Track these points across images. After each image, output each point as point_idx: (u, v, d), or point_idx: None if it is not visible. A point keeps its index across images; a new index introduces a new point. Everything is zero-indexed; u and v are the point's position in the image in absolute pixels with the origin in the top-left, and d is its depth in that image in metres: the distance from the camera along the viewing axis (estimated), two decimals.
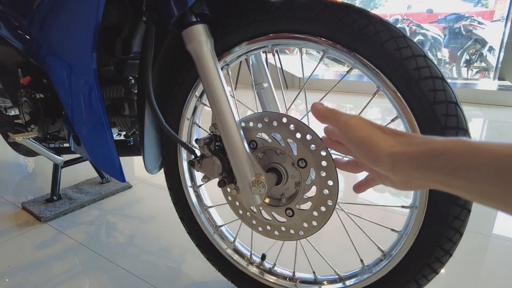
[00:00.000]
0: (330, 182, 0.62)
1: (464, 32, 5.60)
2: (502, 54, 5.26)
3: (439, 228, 0.59)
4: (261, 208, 0.73)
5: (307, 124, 0.63)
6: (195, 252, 0.92)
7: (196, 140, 0.69)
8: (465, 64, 5.67)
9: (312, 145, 0.62)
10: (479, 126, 2.81)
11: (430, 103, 0.55)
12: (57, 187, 1.36)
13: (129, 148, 1.06)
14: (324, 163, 0.62)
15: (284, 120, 0.64)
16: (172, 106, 0.84)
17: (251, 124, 0.68)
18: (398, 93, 0.58)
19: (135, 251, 1.08)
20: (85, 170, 1.67)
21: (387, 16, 7.18)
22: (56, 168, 1.36)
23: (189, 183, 0.88)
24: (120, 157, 1.14)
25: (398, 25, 6.43)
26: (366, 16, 0.58)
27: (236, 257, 0.86)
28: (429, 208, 0.59)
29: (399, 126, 0.60)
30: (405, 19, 6.46)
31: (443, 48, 6.10)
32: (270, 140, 0.67)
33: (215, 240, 0.87)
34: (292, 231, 0.70)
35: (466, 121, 0.56)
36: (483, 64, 5.57)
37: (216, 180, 0.71)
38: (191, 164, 0.73)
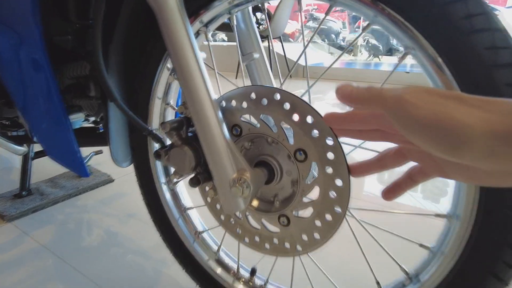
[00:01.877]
0: (339, 182, 0.45)
1: None
2: None
3: (493, 248, 0.42)
4: (247, 213, 0.56)
5: (307, 102, 0.46)
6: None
7: (162, 124, 0.52)
8: None
9: (315, 131, 0.45)
10: None
11: (487, 67, 0.38)
12: (27, 180, 1.21)
13: (98, 136, 0.90)
14: (330, 155, 0.45)
15: (277, 96, 0.47)
16: (140, 83, 0.67)
17: (233, 103, 0.51)
18: (438, 56, 0.40)
19: (108, 258, 0.92)
20: None
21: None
22: (25, 160, 1.20)
23: (162, 179, 0.71)
24: (88, 147, 0.97)
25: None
26: None
27: (220, 270, 0.70)
28: (479, 219, 0.42)
29: None
30: None
31: None
32: (258, 125, 0.50)
33: (194, 249, 0.71)
34: (287, 245, 0.53)
35: None
36: None
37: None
38: (156, 155, 0.56)
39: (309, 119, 0.45)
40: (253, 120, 0.51)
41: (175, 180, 0.71)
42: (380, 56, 6.49)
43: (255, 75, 0.66)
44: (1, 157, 1.73)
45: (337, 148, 0.44)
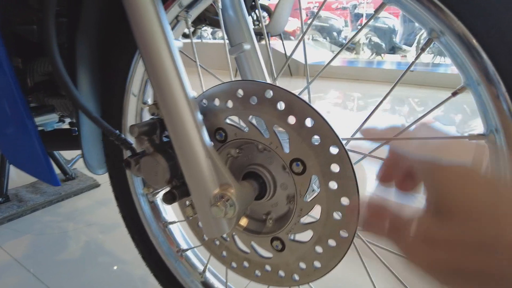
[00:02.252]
0: (345, 201, 0.36)
1: None
2: None
3: None
4: (234, 234, 0.47)
5: (306, 101, 0.37)
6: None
7: (130, 127, 0.43)
8: None
9: (315, 136, 0.36)
10: None
11: None
12: (3, 186, 1.12)
13: (73, 139, 0.80)
14: (335, 167, 0.36)
15: (270, 93, 0.38)
16: (113, 77, 0.58)
17: (216, 102, 0.42)
18: (474, 40, 0.31)
19: (89, 274, 0.83)
20: None
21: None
22: (2, 164, 1.11)
23: (140, 189, 0.62)
24: (69, 151, 0.88)
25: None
26: None
27: None
28: None
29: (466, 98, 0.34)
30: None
31: None
32: (247, 129, 0.41)
33: (177, 270, 0.62)
34: (281, 273, 0.44)
35: None
36: None
37: None
38: (126, 164, 0.47)
39: (308, 122, 0.36)
40: (241, 123, 0.42)
41: (152, 191, 0.62)
42: (382, 54, 6.39)
43: (246, 70, 0.56)
44: None
45: (344, 159, 0.35)
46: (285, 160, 0.39)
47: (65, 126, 0.90)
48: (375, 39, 6.14)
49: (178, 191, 0.43)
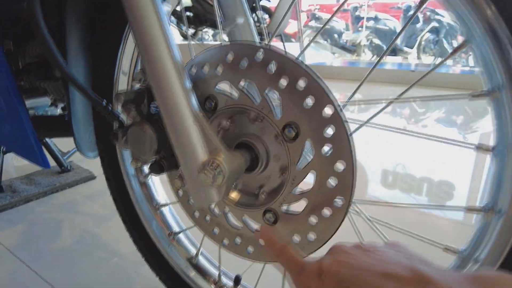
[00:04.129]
0: (341, 165, 0.34)
1: None
2: None
3: None
4: (226, 208, 0.45)
5: (300, 60, 0.35)
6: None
7: (116, 96, 0.41)
8: None
9: (308, 99, 0.34)
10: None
11: None
12: None
13: (65, 126, 0.78)
14: (329, 130, 0.34)
15: (260, 54, 0.36)
16: (103, 56, 0.56)
17: (205, 68, 0.40)
18: None
19: (81, 265, 0.81)
20: None
21: (398, 3, 6.84)
22: None
23: (131, 170, 0.60)
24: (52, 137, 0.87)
25: (411, 12, 6.09)
26: None
27: (198, 279, 0.58)
28: None
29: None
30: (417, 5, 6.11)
31: (459, 36, 5.75)
32: (237, 95, 0.39)
33: (169, 253, 0.60)
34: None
35: None
36: None
37: None
38: (113, 137, 0.45)
39: (301, 83, 0.34)
40: (230, 89, 0.40)
41: (146, 171, 0.60)
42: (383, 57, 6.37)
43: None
44: None
45: (338, 120, 0.33)
46: (278, 126, 0.37)
47: (58, 112, 0.88)
48: (376, 40, 6.14)
49: (167, 162, 0.41)
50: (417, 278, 0.21)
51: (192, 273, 0.58)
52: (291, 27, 6.84)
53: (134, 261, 0.81)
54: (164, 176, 0.46)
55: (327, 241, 0.38)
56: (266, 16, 3.82)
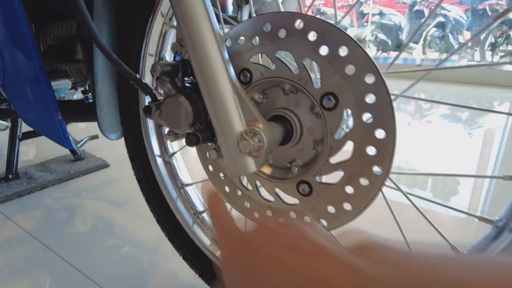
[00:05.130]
0: (381, 133, 0.35)
1: (490, 13, 5.20)
2: None
3: None
4: (258, 182, 0.45)
5: (341, 28, 0.35)
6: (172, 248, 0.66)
7: (152, 66, 0.41)
8: (489, 48, 5.27)
9: (350, 66, 0.34)
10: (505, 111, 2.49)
11: None
12: (13, 163, 1.11)
13: (87, 110, 0.78)
14: (371, 98, 0.34)
15: (299, 23, 0.36)
16: (130, 34, 0.56)
17: (241, 40, 0.40)
18: None
19: (97, 246, 0.82)
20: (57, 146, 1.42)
21: None
22: (13, 140, 1.11)
23: (156, 150, 0.61)
24: (74, 122, 0.88)
25: (416, 8, 6.05)
26: None
27: None
28: None
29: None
30: (424, 0, 6.08)
31: (465, 31, 5.71)
32: (274, 66, 0.39)
33: (193, 233, 0.60)
34: (308, 220, 0.42)
35: None
36: (510, 48, 5.17)
37: None
38: (146, 111, 0.45)
39: (342, 50, 0.35)
40: (267, 61, 0.40)
41: (172, 151, 0.60)
42: (388, 51, 6.35)
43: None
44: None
45: (380, 88, 0.34)
46: (315, 96, 0.37)
47: (76, 97, 0.88)
48: (381, 36, 6.11)
49: (201, 134, 0.42)
50: (317, 250, 0.23)
51: (218, 252, 0.59)
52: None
53: (146, 244, 0.82)
54: (187, 157, 0.47)
55: (363, 211, 0.38)
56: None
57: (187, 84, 0.44)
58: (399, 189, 0.40)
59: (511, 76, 3.58)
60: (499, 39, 5.20)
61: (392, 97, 0.36)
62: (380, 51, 6.21)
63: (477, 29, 5.52)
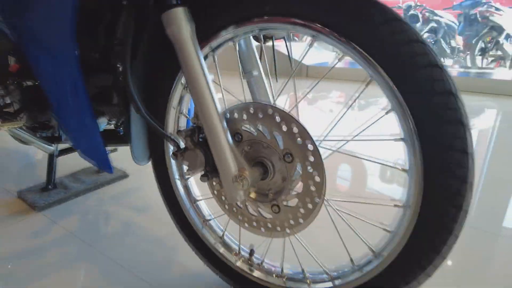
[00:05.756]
0: (317, 178, 0.58)
1: (480, 19, 5.39)
2: None
3: (433, 230, 0.54)
4: (247, 203, 0.69)
5: (295, 116, 0.59)
6: (187, 245, 0.90)
7: (178, 132, 0.66)
8: (480, 53, 5.47)
9: (299, 139, 0.58)
10: (493, 117, 2.71)
11: (427, 94, 0.50)
12: (52, 175, 1.35)
13: (119, 137, 1.03)
14: (311, 158, 0.58)
15: (270, 111, 0.60)
16: (158, 95, 0.80)
17: (235, 115, 0.64)
18: (392, 83, 0.53)
19: (127, 243, 1.06)
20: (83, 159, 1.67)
21: (399, 2, 6.95)
22: (51, 157, 1.35)
23: (176, 175, 0.85)
24: (110, 146, 1.11)
25: (411, 12, 6.22)
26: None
27: (224, 251, 0.83)
28: (423, 209, 0.55)
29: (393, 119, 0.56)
30: (418, 5, 6.27)
31: (457, 36, 5.90)
32: (256, 133, 0.63)
33: (203, 234, 0.84)
34: (278, 228, 0.66)
35: (466, 115, 0.51)
36: (499, 53, 5.37)
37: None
38: (174, 156, 0.69)
39: (294, 129, 0.58)
40: (252, 129, 0.64)
41: (187, 176, 0.84)
42: None
43: (254, 90, 0.79)
44: (21, 154, 1.88)
45: (316, 152, 0.57)
46: (280, 153, 0.61)
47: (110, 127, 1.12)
48: None
49: (210, 173, 0.66)
50: None
51: (221, 249, 0.83)
52: None
53: (169, 238, 1.06)
54: (197, 178, 0.70)
55: (310, 223, 0.62)
56: None
57: (201, 140, 0.68)
58: (334, 209, 0.64)
59: (497, 84, 3.78)
60: (489, 45, 5.39)
61: (327, 153, 0.59)
62: None
63: (469, 34, 5.73)
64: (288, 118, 0.59)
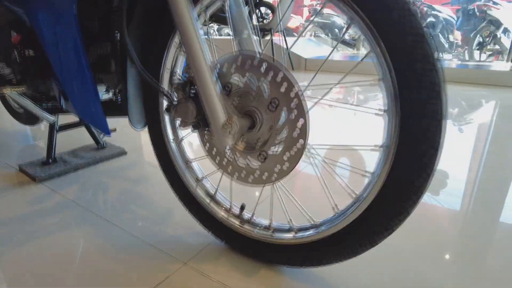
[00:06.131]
0: (300, 122, 0.62)
1: (478, 13, 5.42)
2: None
3: (409, 169, 0.58)
4: (237, 154, 0.73)
5: (281, 63, 0.62)
6: (181, 208, 0.93)
7: (171, 85, 0.69)
8: (478, 47, 5.51)
9: (284, 84, 0.62)
10: (491, 108, 2.75)
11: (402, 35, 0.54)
12: (52, 150, 1.39)
13: (118, 107, 1.06)
14: (294, 102, 0.62)
15: (256, 60, 0.64)
16: (154, 55, 0.84)
17: (225, 66, 0.68)
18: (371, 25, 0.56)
19: (125, 208, 1.10)
20: (82, 137, 1.70)
21: None
22: (52, 132, 1.38)
23: (171, 137, 0.88)
24: (110, 118, 1.15)
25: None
26: None
27: (217, 208, 0.87)
28: (399, 148, 0.58)
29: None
30: (416, 0, 6.29)
31: (455, 30, 5.93)
32: (242, 83, 0.67)
33: (196, 193, 0.88)
34: (265, 175, 0.70)
35: (437, 55, 0.54)
36: (497, 47, 5.40)
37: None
38: (167, 110, 0.73)
39: (279, 77, 0.62)
40: (240, 80, 0.68)
41: (181, 128, 0.88)
42: None
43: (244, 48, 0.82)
44: (26, 136, 1.92)
45: (298, 97, 0.61)
46: (266, 102, 0.65)
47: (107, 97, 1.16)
48: None
49: (201, 122, 0.69)
50: None
51: (214, 205, 0.87)
52: (293, 21, 7.05)
53: (165, 202, 1.10)
54: (191, 141, 0.74)
55: (293, 168, 0.66)
56: (269, 11, 4.07)
57: (192, 93, 0.71)
58: (316, 156, 0.68)
59: (498, 75, 3.82)
60: (487, 39, 5.42)
61: (309, 105, 0.63)
62: None
63: (467, 28, 5.76)
64: (273, 66, 0.62)
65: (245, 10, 0.80)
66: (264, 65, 0.63)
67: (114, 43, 0.97)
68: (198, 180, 0.89)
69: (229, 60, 0.67)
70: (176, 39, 0.80)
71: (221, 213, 0.86)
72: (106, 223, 1.02)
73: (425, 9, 5.78)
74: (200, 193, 0.88)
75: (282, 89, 0.62)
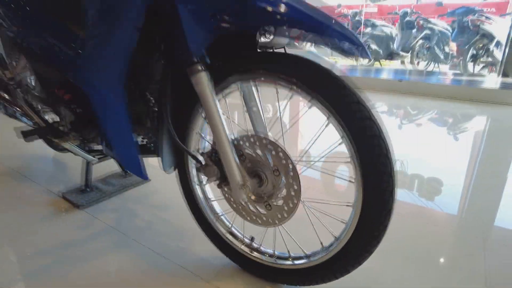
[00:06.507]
0: (296, 186, 0.87)
1: (471, 27, 5.65)
2: (507, 49, 5.31)
3: (372, 223, 0.83)
4: (248, 203, 0.98)
5: (281, 145, 0.87)
6: (202, 234, 1.19)
7: (202, 154, 0.95)
8: (471, 59, 5.73)
9: (283, 160, 0.87)
10: (481, 126, 3.00)
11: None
12: (89, 179, 1.64)
13: (149, 150, 1.32)
14: (291, 173, 0.87)
15: (264, 141, 0.89)
16: (184, 123, 1.09)
17: (241, 141, 0.93)
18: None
19: (155, 233, 1.35)
20: (109, 166, 1.96)
21: (396, 9, 7.19)
22: (88, 165, 1.64)
23: (196, 181, 1.14)
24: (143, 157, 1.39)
25: (407, 19, 6.47)
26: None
27: (232, 238, 1.12)
28: (364, 207, 0.83)
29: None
30: (414, 12, 6.52)
31: (451, 42, 6.15)
32: (254, 154, 0.92)
33: (216, 226, 1.13)
34: (270, 220, 0.95)
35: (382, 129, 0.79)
36: (490, 59, 5.62)
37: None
38: (197, 169, 0.98)
39: (280, 154, 0.87)
40: (252, 151, 0.93)
41: (205, 184, 1.13)
42: (380, 60, 6.82)
43: (254, 122, 1.08)
44: (54, 160, 2.17)
45: (294, 169, 0.86)
46: (271, 168, 0.90)
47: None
48: (373, 46, 6.57)
49: (223, 182, 0.95)
50: None
51: (229, 236, 1.12)
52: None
53: (190, 227, 1.35)
54: (212, 184, 0.99)
55: (291, 217, 0.91)
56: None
57: (216, 159, 0.96)
58: (308, 207, 0.93)
59: (488, 93, 4.06)
60: (480, 51, 5.64)
61: (302, 170, 0.88)
62: (372, 60, 6.68)
63: (462, 40, 5.99)
64: (275, 146, 0.87)
65: (254, 91, 1.05)
66: (270, 146, 0.88)
67: (149, 105, 1.23)
68: (217, 216, 1.14)
69: (244, 137, 0.92)
70: (203, 113, 1.05)
71: (235, 243, 1.11)
72: (141, 247, 1.27)
73: (421, 22, 6.02)
74: (219, 226, 1.14)
75: (282, 161, 0.87)
